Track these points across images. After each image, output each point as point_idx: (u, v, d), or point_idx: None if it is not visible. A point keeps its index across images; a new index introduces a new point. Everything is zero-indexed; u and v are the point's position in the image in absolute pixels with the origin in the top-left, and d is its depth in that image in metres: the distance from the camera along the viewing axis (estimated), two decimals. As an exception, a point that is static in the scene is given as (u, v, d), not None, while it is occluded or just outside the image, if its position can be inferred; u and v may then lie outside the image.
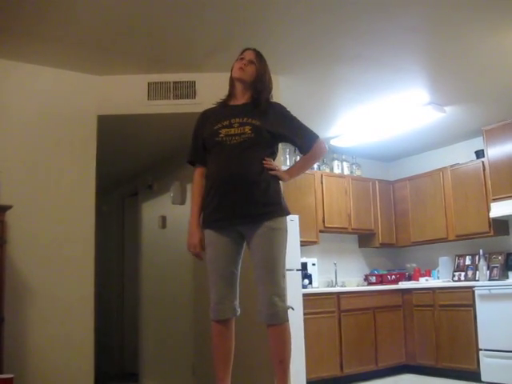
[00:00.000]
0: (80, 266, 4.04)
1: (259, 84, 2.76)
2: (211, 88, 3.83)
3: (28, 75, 4.07)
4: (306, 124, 2.82)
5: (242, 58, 2.78)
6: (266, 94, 2.79)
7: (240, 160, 2.60)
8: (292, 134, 2.77)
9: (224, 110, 2.79)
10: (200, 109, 2.94)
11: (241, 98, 2.79)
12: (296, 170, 2.93)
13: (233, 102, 2.81)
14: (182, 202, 5.29)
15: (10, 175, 3.75)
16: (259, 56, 2.81)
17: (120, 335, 7.09)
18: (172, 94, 4.37)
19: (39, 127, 4.05)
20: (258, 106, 2.73)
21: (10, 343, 3.44)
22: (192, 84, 4.37)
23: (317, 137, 2.81)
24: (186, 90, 4.37)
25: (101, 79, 4.35)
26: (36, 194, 3.94)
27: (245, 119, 2.66)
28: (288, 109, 2.83)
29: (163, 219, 5.93)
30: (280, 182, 2.76)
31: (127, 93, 4.38)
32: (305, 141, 2.79)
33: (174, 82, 4.37)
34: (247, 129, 2.63)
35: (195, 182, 2.81)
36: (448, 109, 5.47)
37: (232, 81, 2.82)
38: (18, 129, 3.96)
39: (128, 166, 6.32)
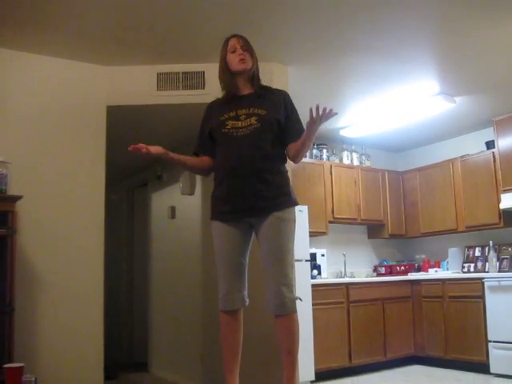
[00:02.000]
0: (90, 255, 4.07)
1: (256, 68, 2.78)
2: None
3: (38, 66, 4.07)
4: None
5: (234, 51, 2.72)
6: (258, 74, 2.80)
7: (248, 152, 2.59)
8: (289, 122, 2.71)
9: (230, 100, 2.76)
10: (209, 99, 2.94)
11: (244, 88, 2.77)
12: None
13: (238, 93, 2.78)
14: (191, 193, 5.29)
15: (20, 166, 3.75)
16: (245, 40, 2.79)
17: (129, 325, 7.14)
18: (181, 85, 4.37)
19: (49, 118, 4.06)
20: (260, 89, 2.74)
21: (21, 333, 3.46)
22: (201, 74, 4.36)
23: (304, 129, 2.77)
24: (195, 81, 4.36)
25: (110, 70, 4.35)
26: (46, 185, 3.96)
27: (251, 109, 2.65)
28: (294, 100, 2.81)
29: (172, 209, 5.95)
30: (288, 172, 2.76)
31: (136, 83, 4.38)
32: (298, 132, 2.69)
33: (183, 73, 4.37)
34: (253, 120, 2.63)
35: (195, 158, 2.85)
36: (458, 99, 5.42)
37: (230, 74, 2.75)
38: (28, 119, 3.97)
39: (137, 157, 6.25)
